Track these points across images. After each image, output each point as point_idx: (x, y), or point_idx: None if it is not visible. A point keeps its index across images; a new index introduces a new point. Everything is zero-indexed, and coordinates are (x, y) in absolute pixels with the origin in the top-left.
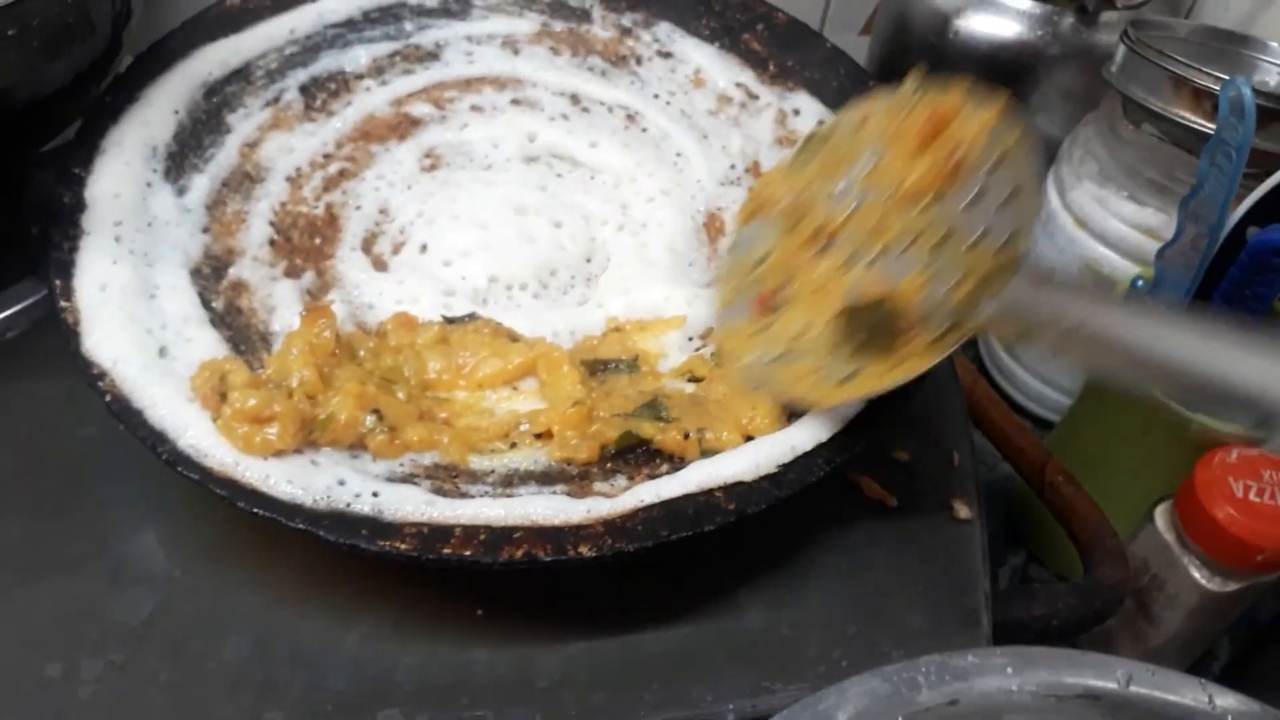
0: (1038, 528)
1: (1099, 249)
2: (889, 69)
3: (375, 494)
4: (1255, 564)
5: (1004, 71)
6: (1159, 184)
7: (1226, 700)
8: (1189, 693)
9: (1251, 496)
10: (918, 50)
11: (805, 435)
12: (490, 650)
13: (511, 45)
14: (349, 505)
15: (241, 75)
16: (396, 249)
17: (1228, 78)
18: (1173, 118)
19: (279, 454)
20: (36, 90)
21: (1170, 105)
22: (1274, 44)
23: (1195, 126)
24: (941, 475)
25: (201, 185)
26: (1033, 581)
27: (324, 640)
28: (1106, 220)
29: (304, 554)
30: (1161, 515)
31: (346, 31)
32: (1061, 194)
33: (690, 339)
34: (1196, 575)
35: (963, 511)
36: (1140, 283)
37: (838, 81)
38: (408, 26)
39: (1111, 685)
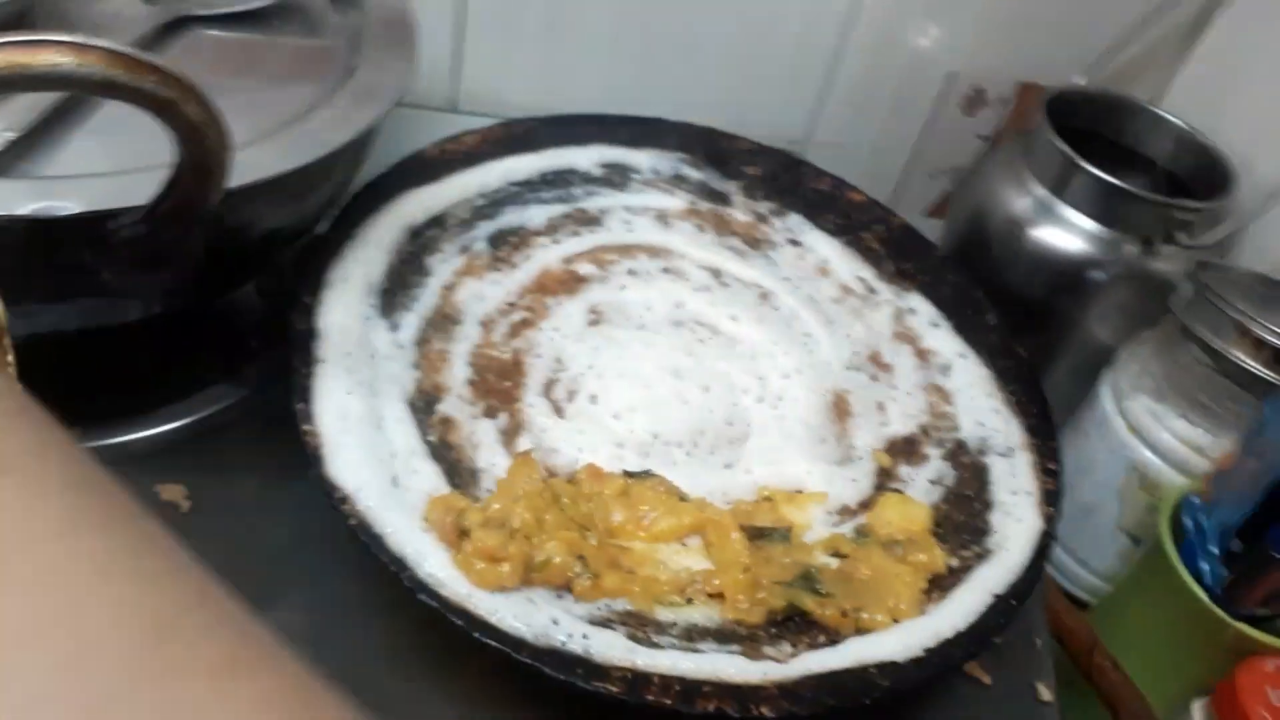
0: (1079, 704)
1: (1149, 456)
2: (967, 260)
3: (585, 636)
4: None
5: (1069, 282)
6: (1210, 409)
7: None
8: None
9: None
10: (994, 247)
11: (946, 623)
12: None
13: (663, 218)
14: (563, 644)
15: (439, 222)
16: (571, 397)
17: None
18: (1231, 358)
19: (503, 590)
20: (286, 231)
21: (1231, 347)
22: None
23: (1251, 369)
24: (1026, 658)
25: (411, 323)
26: None
27: None
28: (1159, 432)
29: (481, 676)
30: (1199, 711)
31: (526, 190)
32: (1117, 400)
33: (830, 513)
34: None
35: (1045, 694)
36: (1195, 499)
37: (948, 288)
38: (576, 191)
39: None
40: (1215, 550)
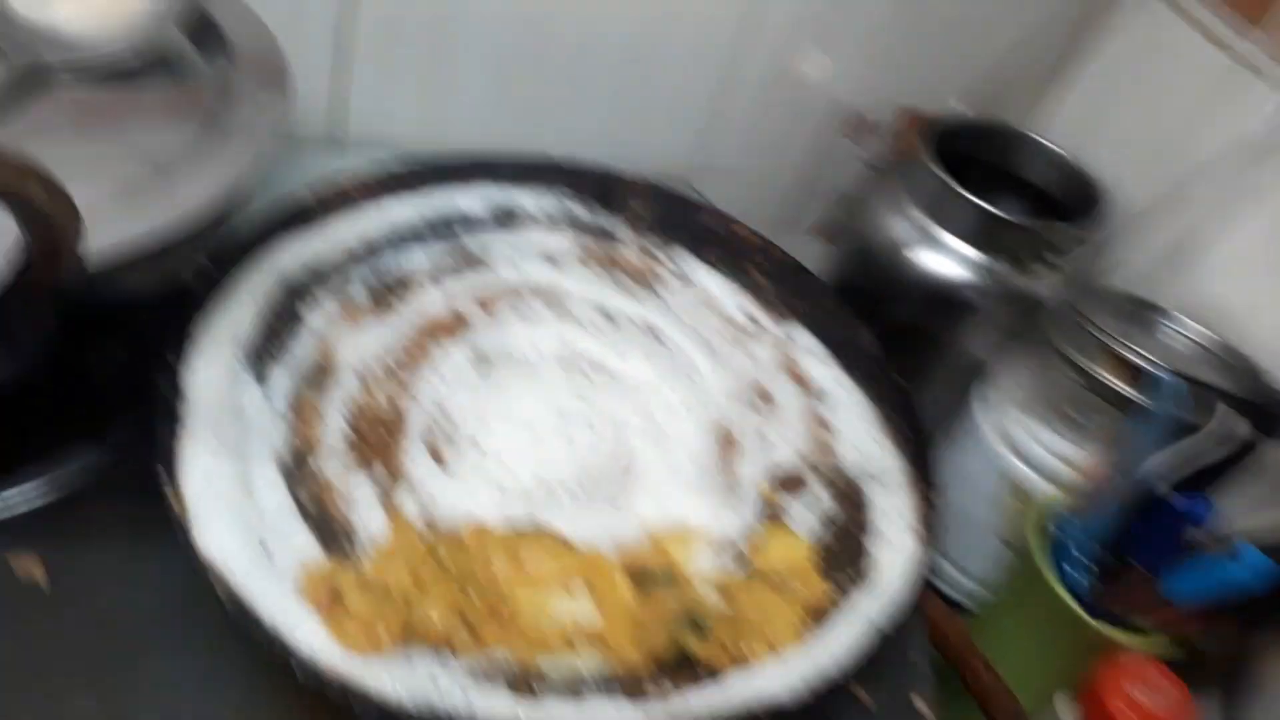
0: (956, 705)
1: (1018, 466)
2: (847, 281)
3: (465, 690)
4: None
5: (945, 301)
6: (1077, 422)
7: None
8: None
9: (1138, 696)
10: (875, 270)
11: (827, 658)
12: None
13: (551, 258)
14: (444, 704)
15: (314, 270)
16: (454, 445)
17: (1151, 359)
18: (1095, 375)
19: (380, 653)
20: (158, 289)
21: (1094, 363)
22: (1182, 316)
23: (1114, 386)
24: (903, 673)
25: (281, 378)
26: None
27: None
28: (1028, 444)
29: None
30: (1063, 704)
31: (407, 235)
32: (988, 412)
33: (714, 549)
34: None
35: (921, 707)
36: (1061, 509)
37: (826, 316)
38: (459, 232)
39: None
40: (1083, 559)
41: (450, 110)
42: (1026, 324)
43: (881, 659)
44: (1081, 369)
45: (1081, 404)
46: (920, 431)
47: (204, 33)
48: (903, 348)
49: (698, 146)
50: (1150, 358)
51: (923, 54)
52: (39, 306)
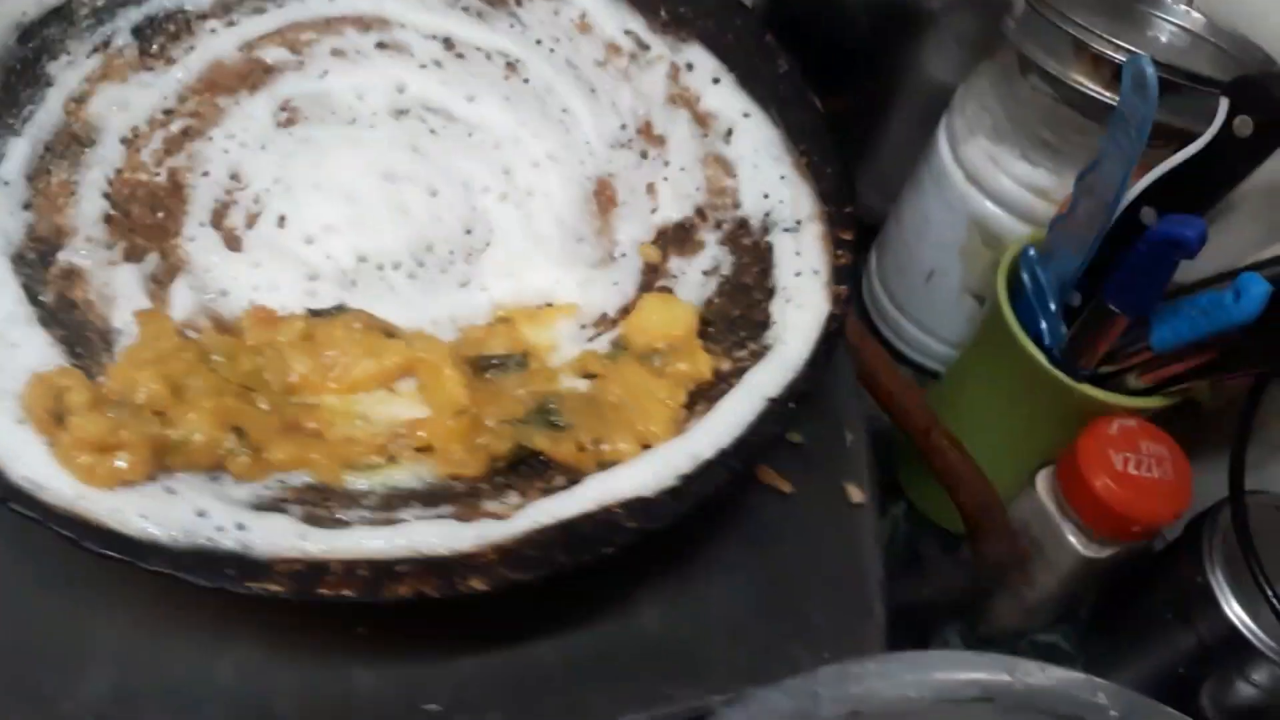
0: (919, 480)
1: (989, 207)
2: (780, 3)
3: (241, 525)
4: (1130, 534)
5: (897, 13)
6: (1053, 145)
7: (1113, 697)
8: (1079, 691)
9: (1130, 469)
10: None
11: (706, 441)
12: (375, 672)
13: None
14: (212, 540)
15: (63, 15)
16: (251, 222)
17: (1131, 50)
18: (1070, 82)
19: (128, 484)
20: None
21: (1068, 69)
22: (1172, 3)
23: (1092, 93)
24: (835, 456)
25: (20, 151)
26: (918, 529)
27: (192, 669)
28: (998, 178)
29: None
30: (1043, 480)
31: None
32: (953, 147)
33: (583, 327)
34: (1074, 541)
35: (856, 495)
36: (1031, 251)
37: (733, 33)
38: None
39: (1005, 681)
40: (1053, 306)
41: None
42: (996, 34)
43: (776, 441)
44: (1052, 76)
45: (1057, 123)
46: (839, 162)
47: None
48: (853, 80)
49: None
50: (1131, 49)
51: None
52: None
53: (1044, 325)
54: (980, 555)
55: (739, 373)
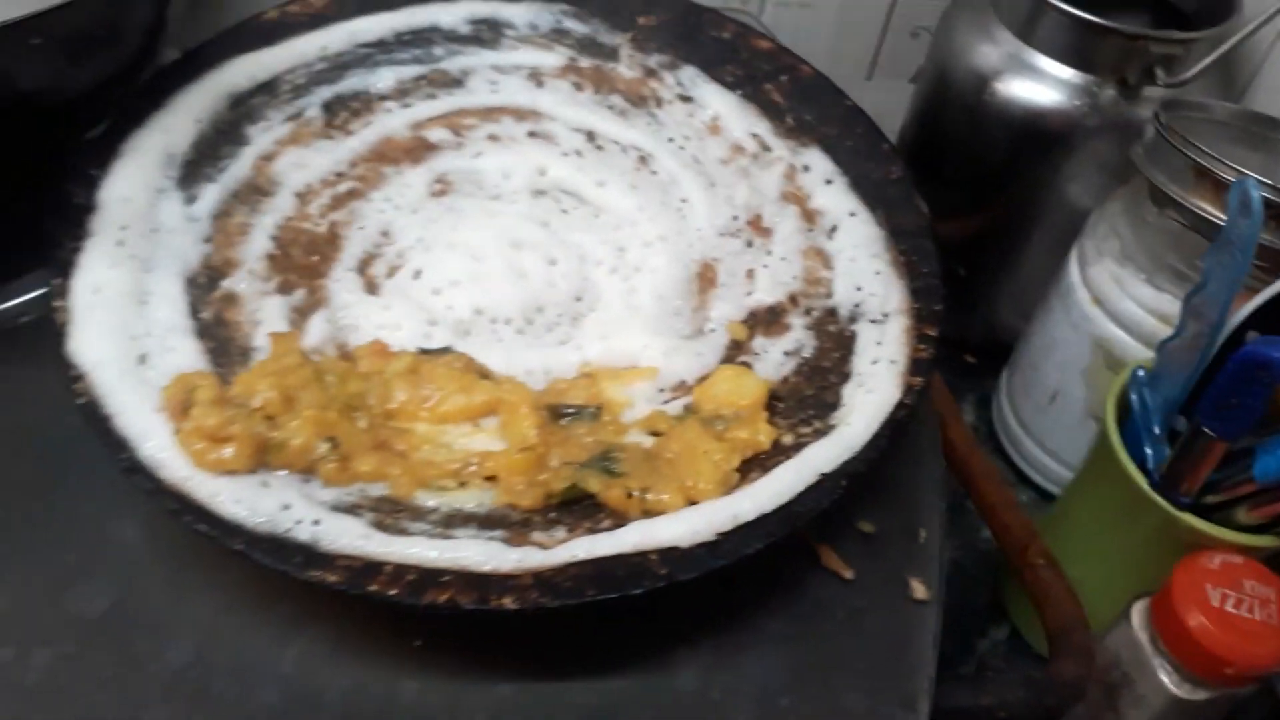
0: (1023, 603)
1: (1113, 329)
2: (928, 125)
3: (316, 522)
4: (1224, 676)
5: (1039, 138)
6: (1179, 271)
7: None
8: None
9: (1228, 607)
10: (955, 107)
11: (749, 504)
12: (421, 683)
13: (536, 78)
14: (288, 531)
15: (268, 89)
16: (391, 273)
17: (1244, 173)
18: (1191, 207)
19: (232, 473)
20: (61, 95)
21: (1190, 194)
22: None
23: (1213, 218)
24: (905, 551)
25: (211, 195)
26: (1016, 656)
27: (261, 654)
28: (1122, 301)
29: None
30: (1138, 613)
31: (377, 52)
32: (1082, 268)
33: (660, 390)
34: (1165, 680)
35: (920, 592)
36: (1141, 373)
37: (852, 140)
38: (437, 51)
39: None
40: (1158, 430)
41: None
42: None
43: (819, 515)
44: (1176, 201)
45: (1182, 248)
46: (936, 263)
47: None
48: (994, 199)
49: None
50: (1244, 171)
51: None
52: None
53: (1148, 449)
54: (1054, 674)
55: (799, 447)
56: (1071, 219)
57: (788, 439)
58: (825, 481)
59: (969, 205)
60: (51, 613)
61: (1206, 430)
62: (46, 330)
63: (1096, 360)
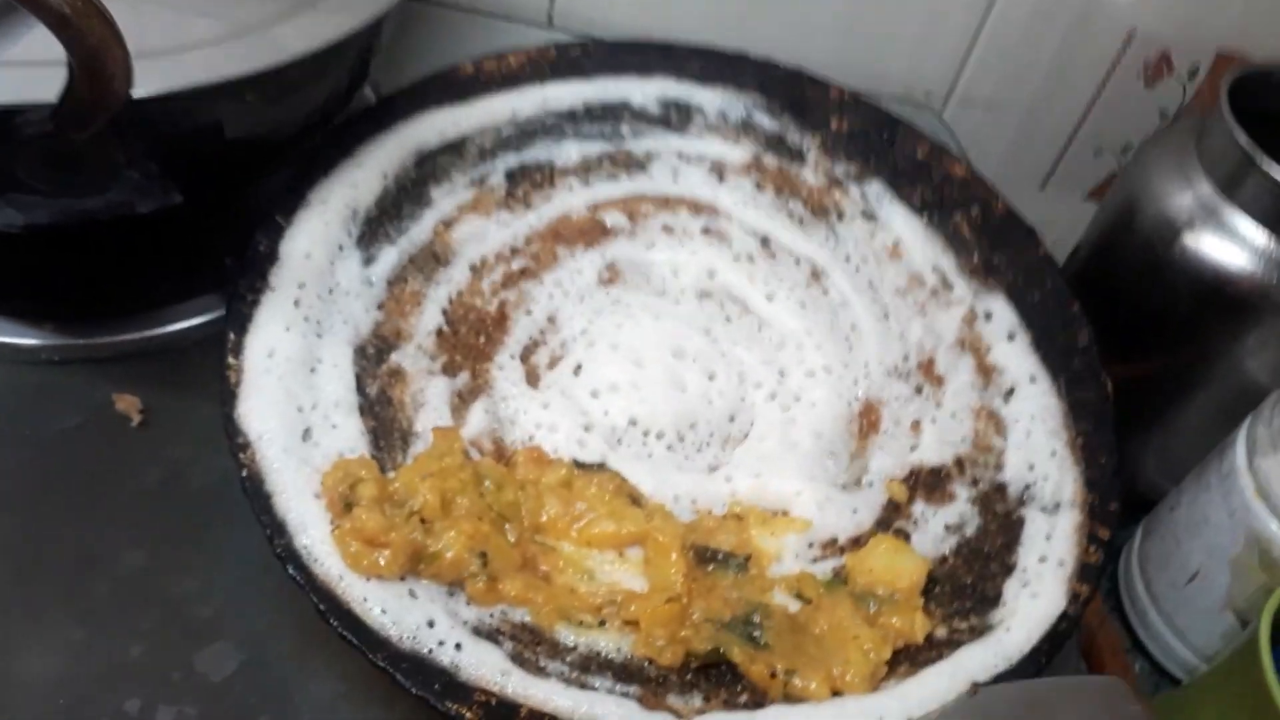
0: None
1: (1274, 528)
2: (1105, 258)
3: (459, 646)
4: None
5: (1225, 302)
6: None
7: None
8: None
9: None
10: (1138, 248)
11: (896, 708)
12: None
13: (719, 171)
14: (431, 652)
15: (456, 149)
16: (553, 364)
17: None
18: None
19: (381, 578)
20: (264, 141)
21: None
22: None
23: None
24: None
25: (390, 258)
26: None
27: None
28: None
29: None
30: None
31: (565, 123)
32: (1250, 454)
33: (810, 546)
34: None
35: None
36: None
37: (1041, 294)
38: (624, 130)
39: None
40: None
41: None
42: None
43: None
44: None
45: None
46: (1114, 453)
47: None
48: (1160, 348)
49: (952, 70)
50: None
51: None
52: (93, 128)
53: None
54: None
55: (953, 644)
56: (1244, 394)
57: (941, 631)
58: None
59: (1135, 352)
60: (180, 670)
61: None
62: (212, 357)
63: (1249, 554)
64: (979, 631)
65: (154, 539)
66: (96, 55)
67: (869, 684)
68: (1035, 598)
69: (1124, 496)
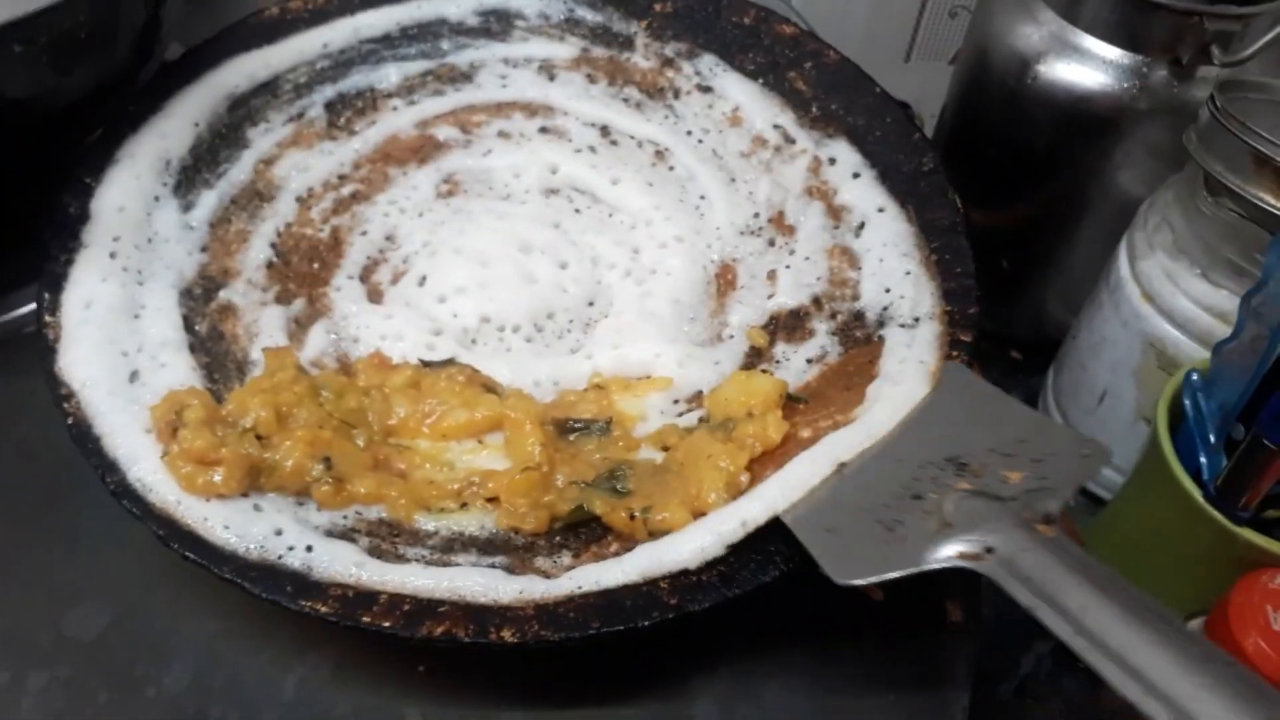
0: None
1: (1165, 328)
2: (967, 110)
3: (309, 548)
4: None
5: (1085, 123)
6: (1237, 266)
7: None
8: None
9: None
10: (996, 91)
11: (759, 507)
12: (423, 710)
13: (548, 70)
14: (280, 558)
15: (269, 89)
16: (395, 279)
17: None
18: (1250, 198)
19: (222, 497)
20: (54, 102)
21: (1249, 183)
22: None
23: (1274, 210)
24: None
25: (209, 202)
26: (1062, 672)
27: (262, 680)
28: (1175, 297)
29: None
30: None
31: (381, 48)
32: (1132, 262)
33: (675, 402)
34: None
35: (955, 614)
36: (1195, 376)
37: (882, 130)
38: (444, 45)
39: None
40: (1214, 439)
41: None
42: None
43: None
44: (1234, 191)
45: (1241, 240)
46: (970, 262)
47: None
48: (1035, 187)
49: None
50: None
51: None
52: None
53: (1203, 459)
54: (1103, 701)
55: (817, 440)
56: (1122, 209)
57: (805, 433)
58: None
59: (1012, 195)
60: (48, 635)
61: (1267, 442)
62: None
63: (1148, 360)
64: (844, 425)
65: (9, 516)
66: None
67: (728, 495)
68: (897, 386)
69: (1033, 348)
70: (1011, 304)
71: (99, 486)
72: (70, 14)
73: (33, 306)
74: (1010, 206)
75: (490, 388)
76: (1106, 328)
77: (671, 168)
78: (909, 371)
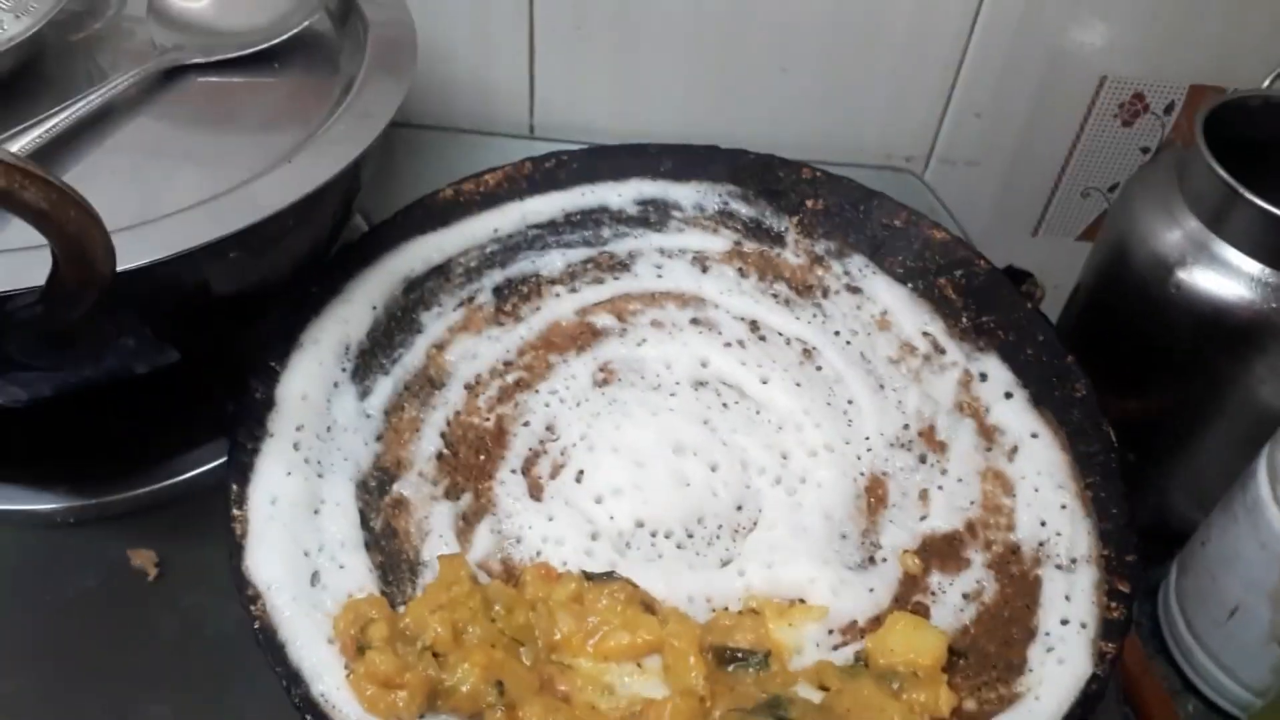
0: None
1: None
2: (1103, 300)
3: None
4: None
5: (1228, 333)
6: None
7: None
8: None
9: None
10: (1134, 288)
11: None
12: None
13: (701, 262)
14: None
15: (441, 272)
16: (555, 473)
17: None
18: None
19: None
20: (254, 290)
21: None
22: None
23: None
24: None
25: (385, 389)
26: None
27: None
28: None
29: None
30: None
31: (546, 233)
32: (1273, 483)
33: (830, 633)
34: None
35: None
36: None
37: (1034, 349)
38: (605, 233)
39: None
40: None
41: (642, 100)
42: None
43: None
44: None
45: None
46: (1125, 503)
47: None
48: (1169, 385)
49: (930, 133)
50: None
51: (1227, 14)
52: (82, 308)
53: None
54: None
55: (983, 717)
56: (1259, 419)
57: (970, 704)
58: None
59: (1145, 388)
60: None
61: None
62: (221, 502)
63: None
64: (1008, 701)
65: (176, 691)
66: (77, 241)
67: None
68: (1061, 663)
69: (1153, 535)
70: (1134, 492)
71: (264, 668)
72: (282, 221)
73: (207, 467)
74: (1142, 398)
75: (648, 605)
76: (1241, 544)
77: (819, 368)
78: (1070, 639)
